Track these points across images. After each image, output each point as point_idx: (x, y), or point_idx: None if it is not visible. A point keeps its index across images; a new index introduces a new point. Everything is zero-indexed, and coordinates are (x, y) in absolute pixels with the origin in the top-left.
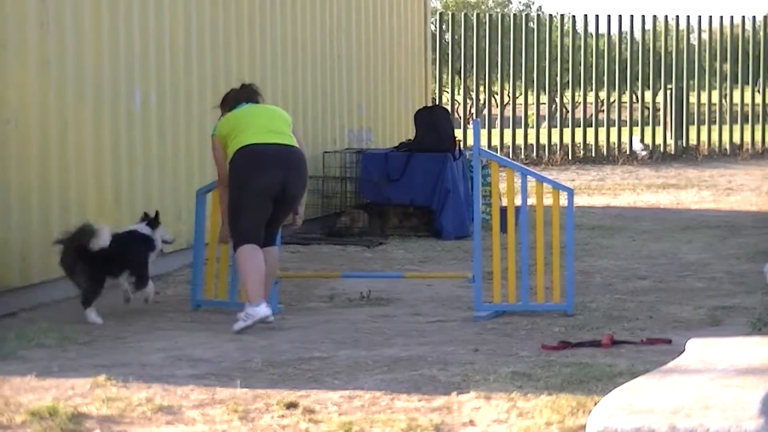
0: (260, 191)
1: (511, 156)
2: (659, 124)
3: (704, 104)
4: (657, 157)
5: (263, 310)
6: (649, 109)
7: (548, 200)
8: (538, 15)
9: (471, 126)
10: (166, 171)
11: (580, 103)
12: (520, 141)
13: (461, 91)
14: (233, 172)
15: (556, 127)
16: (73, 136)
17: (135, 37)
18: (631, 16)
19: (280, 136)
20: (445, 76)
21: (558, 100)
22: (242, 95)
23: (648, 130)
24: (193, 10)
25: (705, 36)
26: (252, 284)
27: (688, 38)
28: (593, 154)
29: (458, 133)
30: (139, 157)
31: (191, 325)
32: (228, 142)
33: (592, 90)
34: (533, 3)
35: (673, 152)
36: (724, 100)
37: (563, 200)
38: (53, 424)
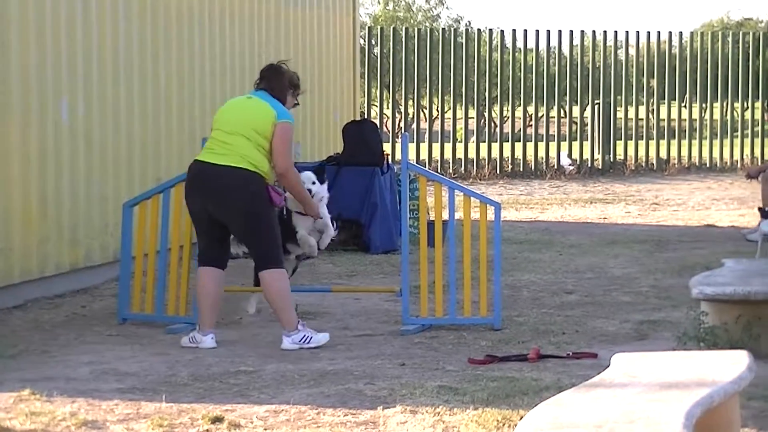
0: (192, 213)
1: (439, 170)
2: (587, 139)
3: (632, 119)
4: (584, 171)
5: (208, 342)
6: (576, 123)
7: (476, 214)
8: (467, 30)
9: (399, 140)
10: (93, 183)
11: (508, 117)
12: (448, 155)
13: (390, 105)
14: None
15: (484, 141)
16: None
17: (62, 47)
18: (560, 31)
19: (221, 155)
20: (373, 90)
21: (486, 114)
22: (264, 81)
23: (576, 145)
24: (121, 21)
25: (633, 51)
26: (200, 311)
27: (616, 53)
28: (521, 169)
29: (387, 147)
30: (65, 169)
31: (117, 339)
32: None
33: (520, 105)
34: (462, 18)
35: (600, 167)
36: (651, 116)
37: (491, 214)
38: None
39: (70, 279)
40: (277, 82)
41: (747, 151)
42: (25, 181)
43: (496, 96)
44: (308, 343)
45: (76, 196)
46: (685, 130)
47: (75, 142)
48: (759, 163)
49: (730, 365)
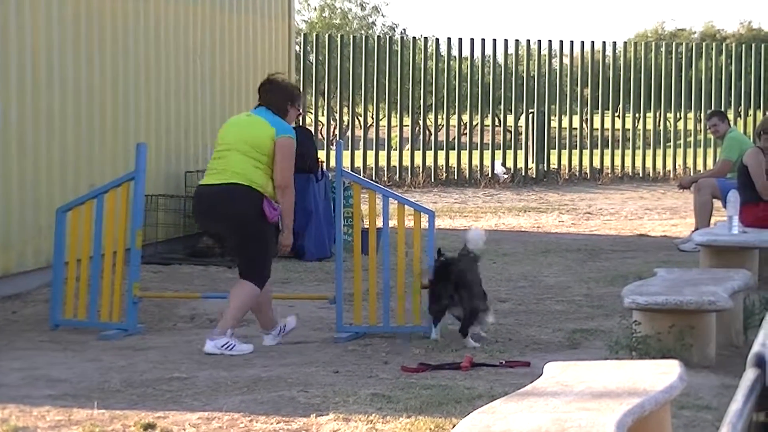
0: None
1: (373, 178)
2: (521, 148)
3: (566, 129)
4: (518, 180)
5: (268, 340)
6: (511, 132)
7: (410, 222)
8: (402, 38)
9: (334, 147)
10: (27, 187)
11: (442, 125)
12: (382, 163)
13: (325, 113)
14: None
15: (418, 149)
16: None
17: None
18: (494, 39)
19: (217, 175)
20: (308, 97)
21: (421, 122)
22: (262, 97)
23: (510, 153)
24: (54, 26)
25: (567, 61)
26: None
27: (550, 63)
28: (455, 177)
29: (321, 154)
30: None
31: (50, 345)
32: None
33: (454, 113)
34: (397, 26)
35: (534, 176)
36: (585, 125)
37: (425, 222)
38: None
39: (1, 284)
40: (275, 97)
41: (680, 161)
42: None
43: (431, 104)
44: (230, 350)
45: (9, 201)
46: (619, 140)
47: (8, 147)
48: (692, 173)
49: (662, 374)
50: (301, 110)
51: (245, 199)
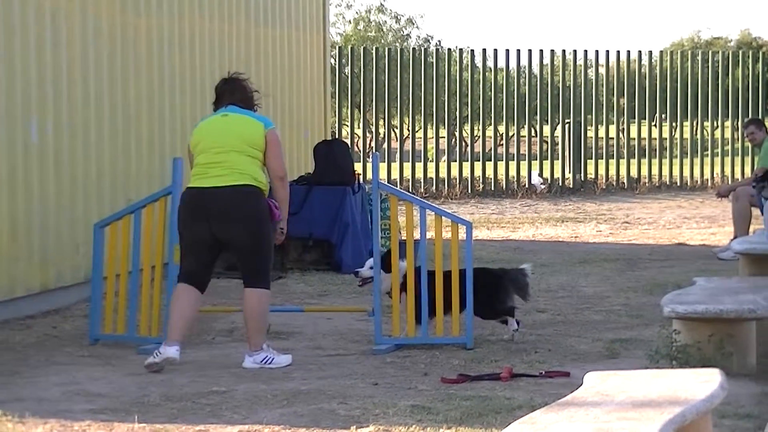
0: (188, 243)
1: (410, 190)
2: (558, 158)
3: (602, 138)
4: (555, 190)
5: (171, 352)
6: (547, 142)
7: (447, 234)
8: (437, 49)
9: (370, 159)
10: (64, 203)
11: (478, 137)
12: (419, 175)
13: (360, 125)
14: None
15: (455, 161)
16: None
17: (31, 68)
18: (530, 50)
19: (218, 177)
20: (344, 110)
21: (457, 133)
22: (228, 96)
23: (546, 163)
24: (90, 42)
25: (603, 70)
26: (169, 323)
27: (586, 73)
28: (492, 188)
29: (357, 167)
30: (35, 190)
31: (89, 359)
32: (194, 157)
33: (490, 124)
34: (432, 38)
35: (571, 186)
36: (621, 135)
37: (462, 234)
38: None
39: (40, 300)
40: (243, 94)
41: (717, 169)
42: None
43: (467, 115)
44: (269, 363)
45: (46, 217)
46: (656, 149)
47: (45, 163)
48: (729, 182)
49: (703, 383)
50: (260, 105)
51: (258, 199)
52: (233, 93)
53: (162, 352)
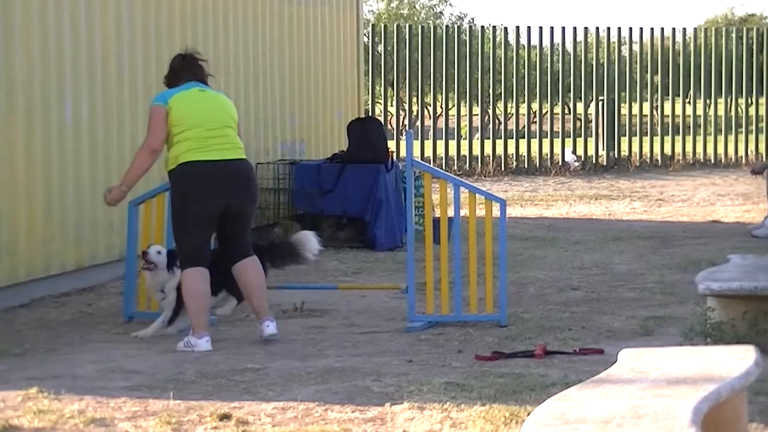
0: (200, 216)
1: (443, 167)
2: (591, 136)
3: (636, 115)
4: (589, 168)
5: (203, 345)
6: (581, 120)
7: (481, 211)
8: (470, 27)
9: (404, 137)
10: (98, 183)
11: (512, 114)
12: (452, 152)
13: (394, 103)
14: (175, 187)
15: (488, 138)
16: (3, 148)
17: (66, 49)
18: (563, 28)
19: (224, 150)
20: (377, 88)
21: (491, 111)
22: (187, 72)
23: (580, 141)
24: (124, 21)
25: (636, 48)
26: (193, 314)
27: (620, 50)
28: (526, 166)
29: (391, 145)
30: (70, 169)
31: (124, 337)
32: (173, 131)
33: (524, 101)
34: (465, 15)
35: (605, 163)
36: (655, 112)
37: (496, 211)
38: None
39: (75, 277)
40: (203, 72)
41: (752, 146)
42: (30, 181)
43: (500, 93)
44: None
45: (81, 196)
46: (690, 126)
47: (79, 142)
48: (764, 159)
49: (737, 360)
50: None
51: (255, 175)
52: (196, 71)
53: (194, 345)
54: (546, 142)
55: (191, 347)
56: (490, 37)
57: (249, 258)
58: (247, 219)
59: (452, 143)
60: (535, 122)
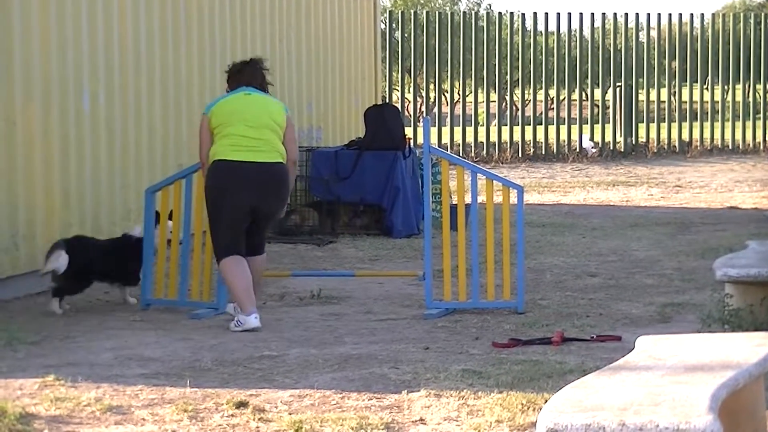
0: (231, 211)
1: (461, 154)
2: (609, 122)
3: (653, 102)
4: (606, 154)
5: (253, 321)
6: (598, 106)
7: (498, 198)
8: (488, 13)
9: (421, 124)
10: (115, 171)
11: (529, 101)
12: (470, 139)
13: (411, 89)
14: (208, 183)
15: (506, 125)
16: (21, 136)
17: (83, 36)
18: (581, 14)
19: (258, 152)
20: (395, 74)
21: (508, 98)
22: (243, 77)
23: (597, 127)
24: (141, 10)
25: (654, 34)
26: (240, 294)
27: (637, 36)
28: (543, 152)
29: (408, 131)
30: (87, 157)
31: (141, 324)
32: (215, 132)
33: (541, 88)
34: (482, 1)
35: (622, 150)
36: (673, 98)
37: (513, 198)
38: (1, 424)
39: None
40: (264, 79)
41: None
42: (48, 169)
43: (518, 79)
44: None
45: (98, 184)
46: (707, 112)
47: (96, 130)
48: None
49: (755, 347)
50: None
51: (288, 176)
52: (254, 76)
53: (244, 322)
54: (563, 128)
55: (241, 325)
56: (508, 23)
57: (259, 257)
58: (270, 218)
59: (469, 130)
60: (553, 108)
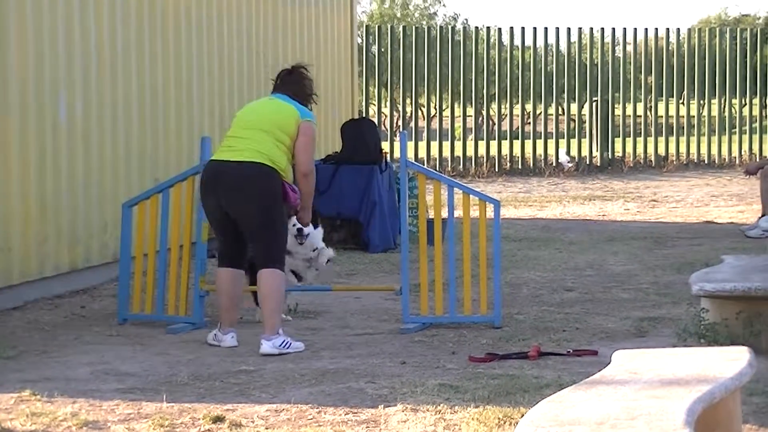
0: (209, 215)
1: (437, 168)
2: (585, 136)
3: (629, 116)
4: (583, 169)
5: (228, 341)
6: (575, 121)
7: (475, 212)
8: (464, 27)
9: (398, 138)
10: (92, 183)
11: (506, 115)
12: (446, 153)
13: (388, 104)
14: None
15: (482, 139)
16: None
17: (60, 48)
18: (557, 28)
19: (236, 151)
20: (371, 89)
21: (484, 112)
22: (277, 84)
23: (574, 142)
24: (119, 22)
25: (630, 48)
26: (220, 311)
27: (614, 50)
28: (520, 167)
29: (385, 146)
30: (64, 169)
31: (117, 339)
32: None
33: (518, 102)
34: (459, 15)
35: (599, 164)
36: (649, 112)
37: (490, 212)
38: None
39: (69, 279)
40: (300, 88)
41: (745, 147)
42: (24, 182)
43: (494, 94)
44: (287, 348)
45: (75, 197)
46: (684, 127)
47: (73, 143)
48: (757, 159)
49: (731, 361)
50: (312, 109)
51: (268, 178)
52: (287, 84)
53: (220, 340)
54: (540, 142)
55: (217, 342)
56: (484, 37)
57: (262, 271)
58: (250, 223)
59: (446, 144)
60: (529, 123)
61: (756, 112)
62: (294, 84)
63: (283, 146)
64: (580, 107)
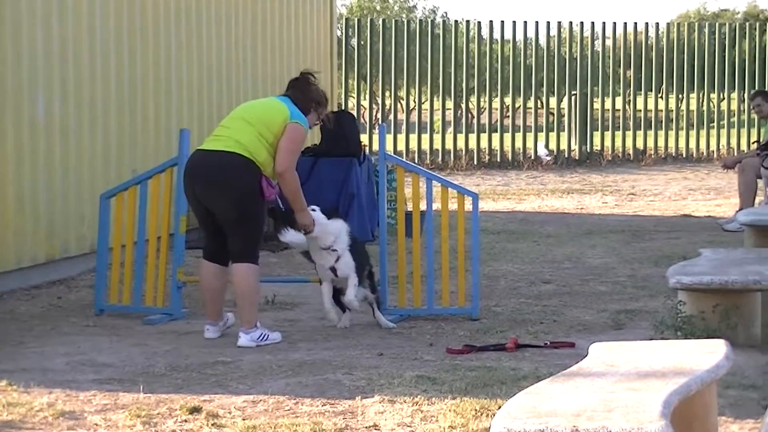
0: (191, 205)
1: (416, 161)
2: (564, 130)
3: (608, 110)
4: (561, 162)
5: (206, 332)
6: (553, 114)
7: (453, 205)
8: (444, 21)
9: (377, 131)
10: (70, 175)
11: (485, 108)
12: (425, 146)
13: (367, 97)
14: None
15: (461, 132)
16: None
17: (38, 43)
18: (536, 22)
19: (215, 140)
20: (350, 82)
21: (463, 105)
22: (289, 89)
23: (553, 135)
24: (97, 18)
25: (609, 42)
26: (204, 303)
27: (593, 44)
28: (498, 160)
29: (364, 138)
30: (41, 162)
31: (94, 329)
32: None
33: (497, 96)
34: (438, 9)
35: (577, 158)
36: (628, 106)
37: (468, 205)
38: None
39: (46, 270)
40: (302, 94)
41: (723, 141)
42: (2, 175)
43: (473, 87)
44: (265, 340)
45: (53, 189)
46: (662, 121)
47: (51, 136)
48: (735, 154)
49: (708, 354)
50: (321, 121)
51: (242, 170)
52: (291, 89)
53: (206, 331)
54: (519, 136)
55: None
56: (464, 31)
57: (236, 265)
58: (225, 216)
59: (425, 137)
60: (508, 116)
61: (734, 106)
62: (297, 89)
63: (266, 141)
64: (559, 101)
